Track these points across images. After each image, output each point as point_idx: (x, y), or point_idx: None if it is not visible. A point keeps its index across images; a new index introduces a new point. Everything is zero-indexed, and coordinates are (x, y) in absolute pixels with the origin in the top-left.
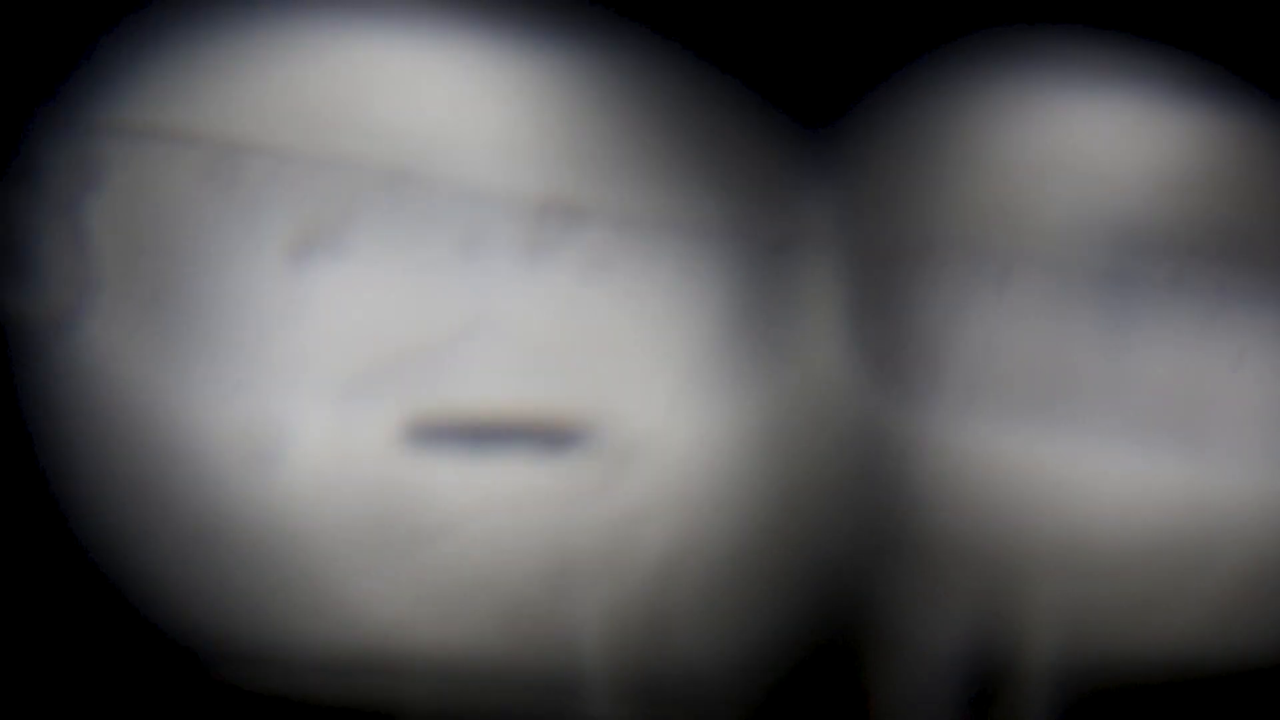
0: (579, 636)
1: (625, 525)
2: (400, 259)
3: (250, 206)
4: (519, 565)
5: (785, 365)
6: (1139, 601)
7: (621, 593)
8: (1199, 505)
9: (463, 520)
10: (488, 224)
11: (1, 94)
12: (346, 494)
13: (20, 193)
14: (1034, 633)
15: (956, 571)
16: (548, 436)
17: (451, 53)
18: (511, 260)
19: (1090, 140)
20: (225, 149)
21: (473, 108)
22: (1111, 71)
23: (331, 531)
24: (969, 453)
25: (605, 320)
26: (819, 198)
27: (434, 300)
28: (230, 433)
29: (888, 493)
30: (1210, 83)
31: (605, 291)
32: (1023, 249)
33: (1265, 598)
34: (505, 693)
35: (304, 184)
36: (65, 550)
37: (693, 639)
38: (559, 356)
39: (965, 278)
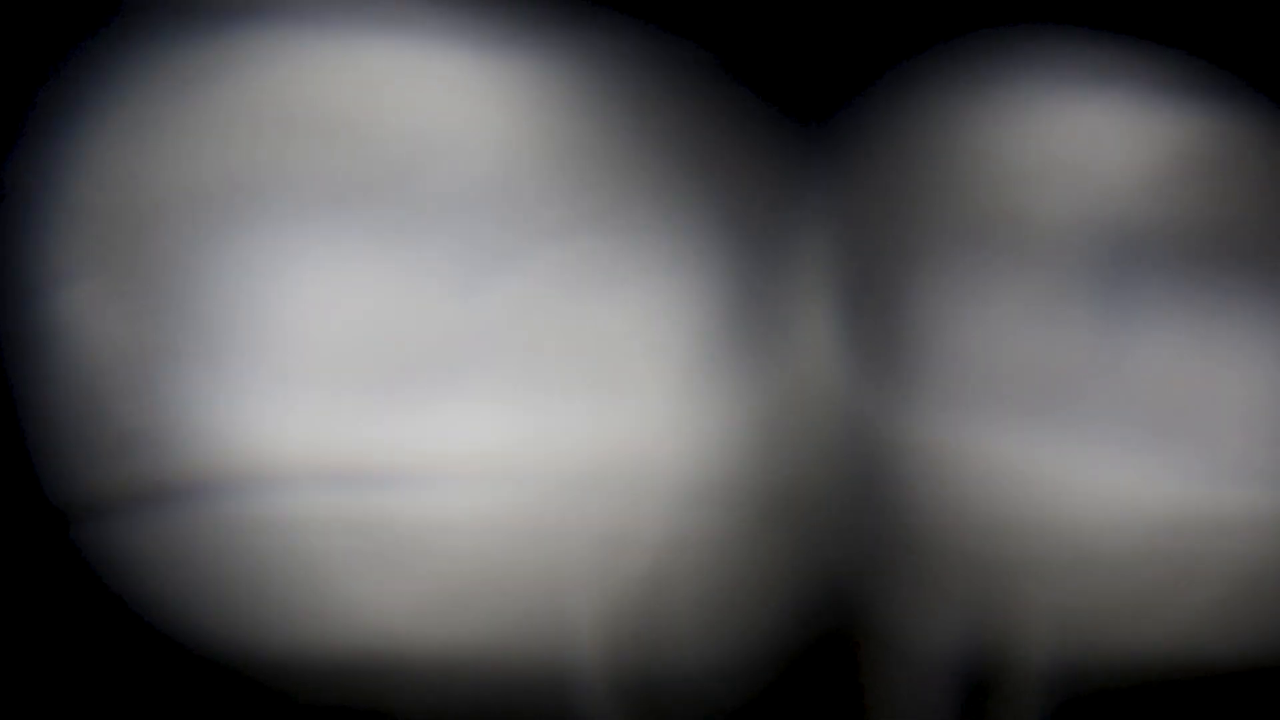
0: (574, 637)
1: (620, 525)
2: (396, 257)
3: (245, 204)
4: (515, 566)
5: (780, 364)
6: (1136, 601)
7: (617, 593)
8: (1197, 505)
9: (459, 520)
10: (482, 223)
11: None
12: (344, 493)
13: (8, 183)
14: (1030, 632)
15: (952, 571)
16: None
17: (444, 51)
18: (506, 259)
19: (1089, 139)
20: (221, 147)
21: (465, 104)
22: (1111, 71)
23: (328, 531)
24: (965, 452)
25: (599, 318)
26: (814, 195)
27: (428, 299)
28: (225, 430)
29: (883, 492)
30: (1209, 82)
31: (600, 289)
32: (1020, 248)
33: (1264, 598)
34: (501, 694)
35: (300, 182)
36: (57, 549)
37: (688, 639)
38: (554, 355)
39: (962, 276)
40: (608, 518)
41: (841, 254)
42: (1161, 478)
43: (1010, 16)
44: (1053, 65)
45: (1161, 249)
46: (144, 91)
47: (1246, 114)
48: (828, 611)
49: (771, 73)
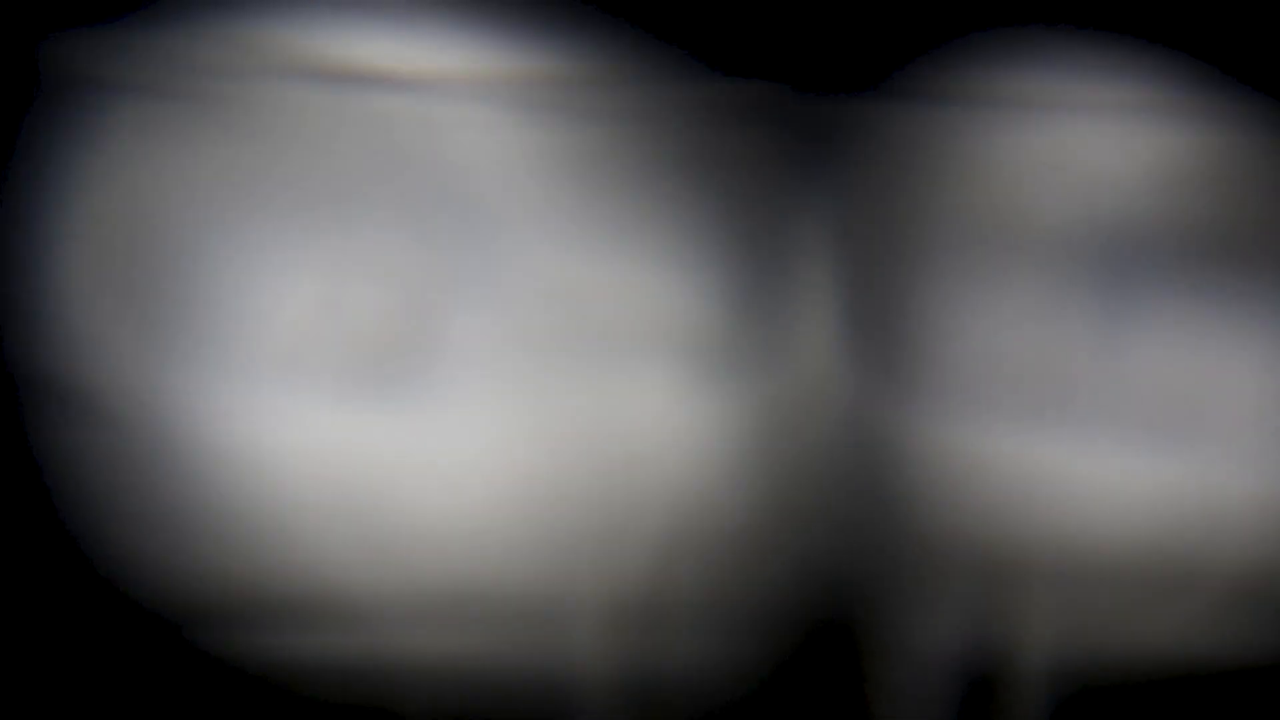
0: (575, 636)
1: (620, 525)
2: (397, 257)
3: (240, 198)
4: (515, 566)
5: (782, 363)
6: (1136, 601)
7: (617, 593)
8: (1197, 505)
9: (459, 520)
10: (482, 217)
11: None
12: (345, 493)
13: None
14: (1030, 631)
15: (953, 570)
16: None
17: (441, 47)
18: (506, 255)
19: (1088, 140)
20: (218, 147)
21: (465, 104)
22: (1110, 71)
23: (328, 532)
24: (966, 451)
25: (603, 315)
26: (818, 196)
27: (432, 301)
28: (221, 429)
29: (884, 491)
30: (1208, 83)
31: (602, 291)
32: (1021, 249)
33: (1264, 598)
34: (502, 694)
35: (296, 177)
36: (55, 545)
37: (689, 637)
38: (556, 352)
39: (964, 277)
40: (608, 517)
41: (844, 255)
42: (1162, 478)
43: (1010, 17)
44: (1055, 67)
45: (1161, 249)
46: (149, 95)
47: (1248, 115)
48: (828, 611)
49: (775, 75)
